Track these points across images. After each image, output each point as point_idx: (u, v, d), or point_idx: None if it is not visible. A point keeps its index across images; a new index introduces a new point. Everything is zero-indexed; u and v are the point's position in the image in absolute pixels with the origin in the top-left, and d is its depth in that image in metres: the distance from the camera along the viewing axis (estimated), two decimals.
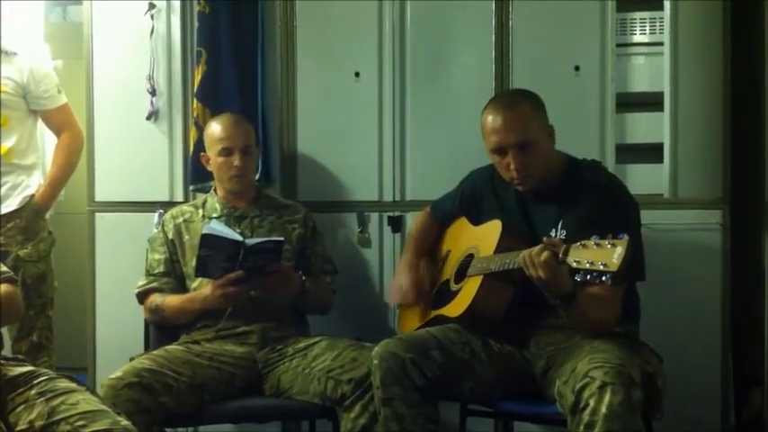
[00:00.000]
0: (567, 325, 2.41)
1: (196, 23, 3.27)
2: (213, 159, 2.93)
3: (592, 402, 2.12)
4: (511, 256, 2.34)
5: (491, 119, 2.48)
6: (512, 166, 2.45)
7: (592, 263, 2.06)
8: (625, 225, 2.31)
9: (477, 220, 2.70)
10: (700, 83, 3.16)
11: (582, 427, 2.13)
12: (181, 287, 2.89)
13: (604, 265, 2.03)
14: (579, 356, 2.28)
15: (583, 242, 2.10)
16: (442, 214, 2.87)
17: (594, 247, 2.07)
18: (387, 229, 3.27)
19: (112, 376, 2.50)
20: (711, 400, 3.14)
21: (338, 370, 2.59)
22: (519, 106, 2.48)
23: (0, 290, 2.28)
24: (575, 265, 2.10)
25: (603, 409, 2.10)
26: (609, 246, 2.05)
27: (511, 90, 3.10)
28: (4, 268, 2.39)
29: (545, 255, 2.18)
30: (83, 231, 3.42)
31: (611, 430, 2.09)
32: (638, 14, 3.36)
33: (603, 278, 2.04)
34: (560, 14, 3.18)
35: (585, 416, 2.13)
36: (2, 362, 2.22)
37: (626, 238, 2.04)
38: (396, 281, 2.85)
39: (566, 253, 2.13)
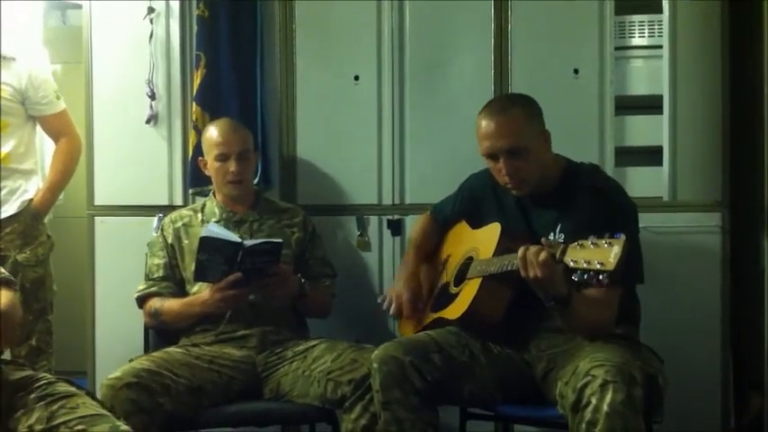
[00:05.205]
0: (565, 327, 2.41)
1: (195, 27, 3.28)
2: (210, 164, 2.93)
3: (594, 400, 2.12)
4: (510, 258, 2.34)
5: (484, 124, 2.48)
6: (503, 172, 2.45)
7: (589, 262, 2.06)
8: (623, 228, 2.30)
9: (477, 224, 2.70)
10: (699, 85, 3.17)
11: (584, 426, 2.13)
12: (180, 291, 2.89)
13: (601, 264, 2.03)
14: (580, 357, 2.28)
15: (580, 242, 2.10)
16: (443, 217, 2.86)
17: (591, 246, 2.07)
18: (386, 233, 3.27)
19: (111, 376, 2.50)
20: (711, 402, 3.14)
21: (338, 371, 2.58)
22: (511, 111, 2.47)
23: None
24: (572, 264, 2.09)
25: (605, 408, 2.10)
26: (606, 245, 2.05)
27: (506, 95, 3.10)
28: (1, 269, 2.37)
29: (543, 255, 2.18)
30: (82, 235, 3.42)
31: (612, 428, 2.09)
32: (636, 17, 3.36)
33: (600, 277, 2.04)
34: (559, 18, 3.19)
35: (587, 414, 2.12)
36: (1, 366, 2.21)
37: (623, 237, 2.04)
38: (395, 289, 2.80)
39: (563, 253, 2.13)
